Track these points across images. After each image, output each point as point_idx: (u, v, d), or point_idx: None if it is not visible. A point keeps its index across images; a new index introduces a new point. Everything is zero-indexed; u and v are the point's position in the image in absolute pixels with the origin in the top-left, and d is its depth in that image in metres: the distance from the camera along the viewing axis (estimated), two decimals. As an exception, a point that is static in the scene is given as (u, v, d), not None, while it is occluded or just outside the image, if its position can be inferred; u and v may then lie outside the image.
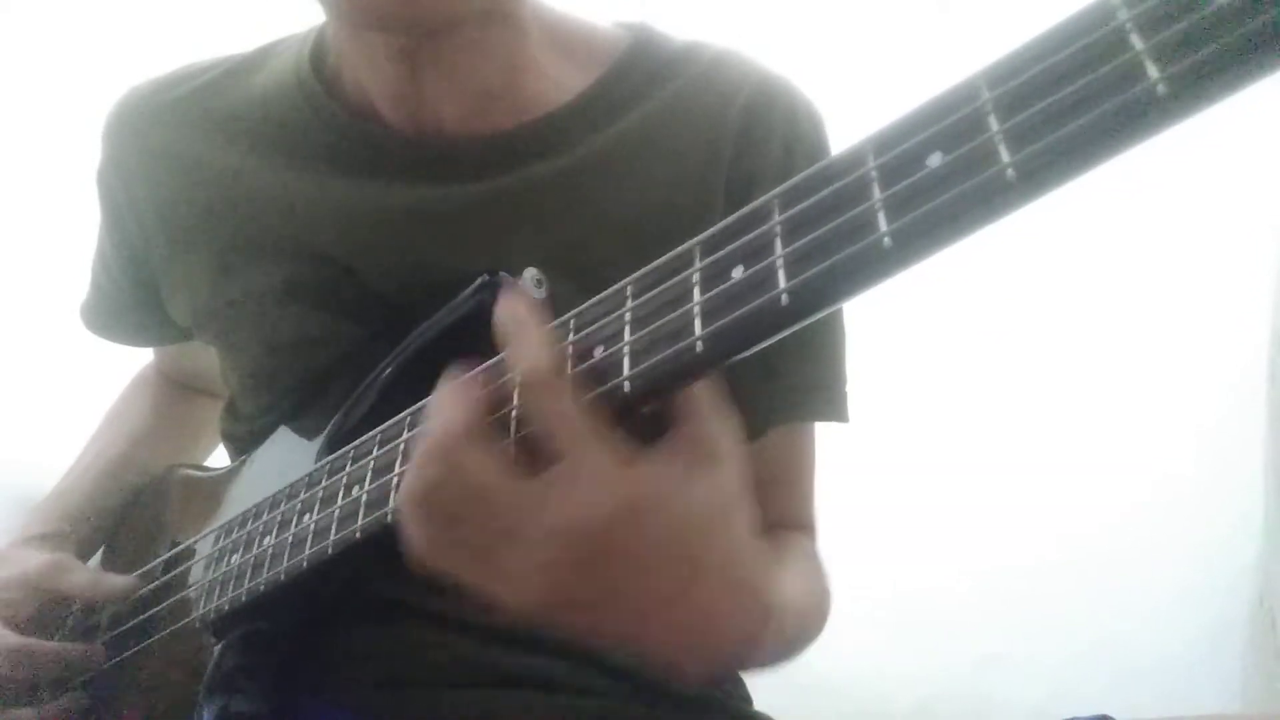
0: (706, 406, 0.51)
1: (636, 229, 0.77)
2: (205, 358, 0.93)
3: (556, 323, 0.54)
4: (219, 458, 1.02)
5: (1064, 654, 1.54)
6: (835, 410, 0.87)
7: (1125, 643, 1.53)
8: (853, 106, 0.99)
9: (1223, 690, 1.49)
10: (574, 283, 0.74)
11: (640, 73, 0.82)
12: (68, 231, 1.06)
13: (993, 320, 1.57)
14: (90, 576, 0.90)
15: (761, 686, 0.93)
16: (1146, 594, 1.53)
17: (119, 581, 0.89)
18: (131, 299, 0.98)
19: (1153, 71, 0.33)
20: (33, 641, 0.85)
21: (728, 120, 0.81)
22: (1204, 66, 0.32)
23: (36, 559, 0.89)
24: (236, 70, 0.90)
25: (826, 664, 1.00)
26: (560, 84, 0.81)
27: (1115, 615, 1.54)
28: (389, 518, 0.61)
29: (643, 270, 0.50)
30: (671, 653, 0.54)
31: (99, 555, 1.01)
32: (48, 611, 0.88)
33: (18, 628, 0.85)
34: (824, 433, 0.89)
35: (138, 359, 1.15)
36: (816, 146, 0.84)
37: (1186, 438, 1.54)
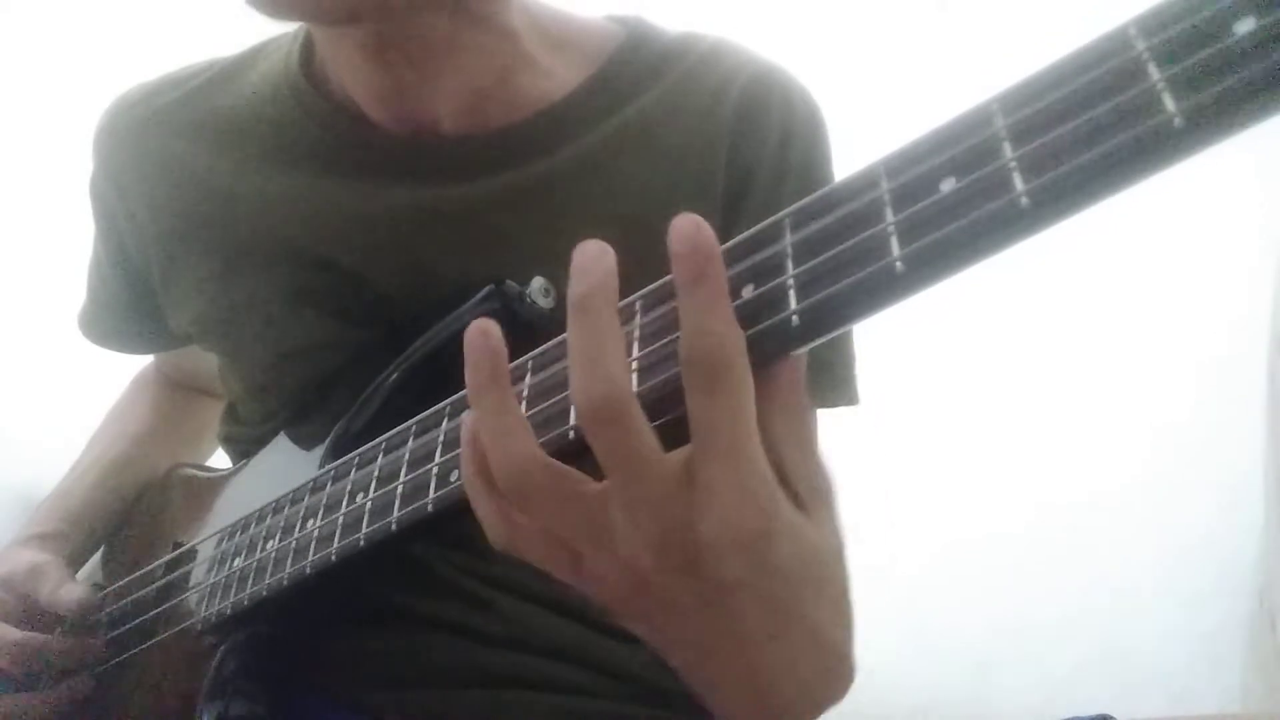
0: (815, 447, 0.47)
1: (638, 225, 0.77)
2: (206, 359, 0.93)
3: (553, 342, 0.54)
4: (220, 459, 1.02)
5: (1064, 655, 1.54)
6: (843, 392, 0.84)
7: (1125, 643, 1.53)
8: (850, 104, 0.98)
9: (1223, 690, 1.49)
10: None
11: (635, 67, 0.82)
12: (70, 231, 1.05)
13: (992, 322, 1.57)
14: (52, 586, 0.87)
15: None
16: (1147, 594, 1.53)
17: (74, 594, 0.86)
18: (128, 307, 0.98)
19: (1170, 104, 0.33)
20: (35, 635, 0.84)
21: (724, 111, 0.80)
22: (1223, 100, 0.31)
23: (25, 560, 0.89)
24: (226, 73, 0.89)
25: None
26: (555, 80, 0.81)
27: (1116, 616, 1.54)
28: (394, 525, 0.61)
29: (651, 287, 0.50)
30: (732, 697, 0.50)
31: (99, 555, 1.01)
32: (34, 614, 0.87)
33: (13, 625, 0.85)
34: (823, 432, 0.87)
35: (138, 361, 1.14)
36: (813, 137, 0.83)
37: (1187, 438, 1.54)
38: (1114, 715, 0.68)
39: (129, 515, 1.01)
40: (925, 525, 1.59)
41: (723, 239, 0.80)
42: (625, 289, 0.50)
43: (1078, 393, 1.58)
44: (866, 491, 1.48)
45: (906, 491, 1.57)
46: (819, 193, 0.44)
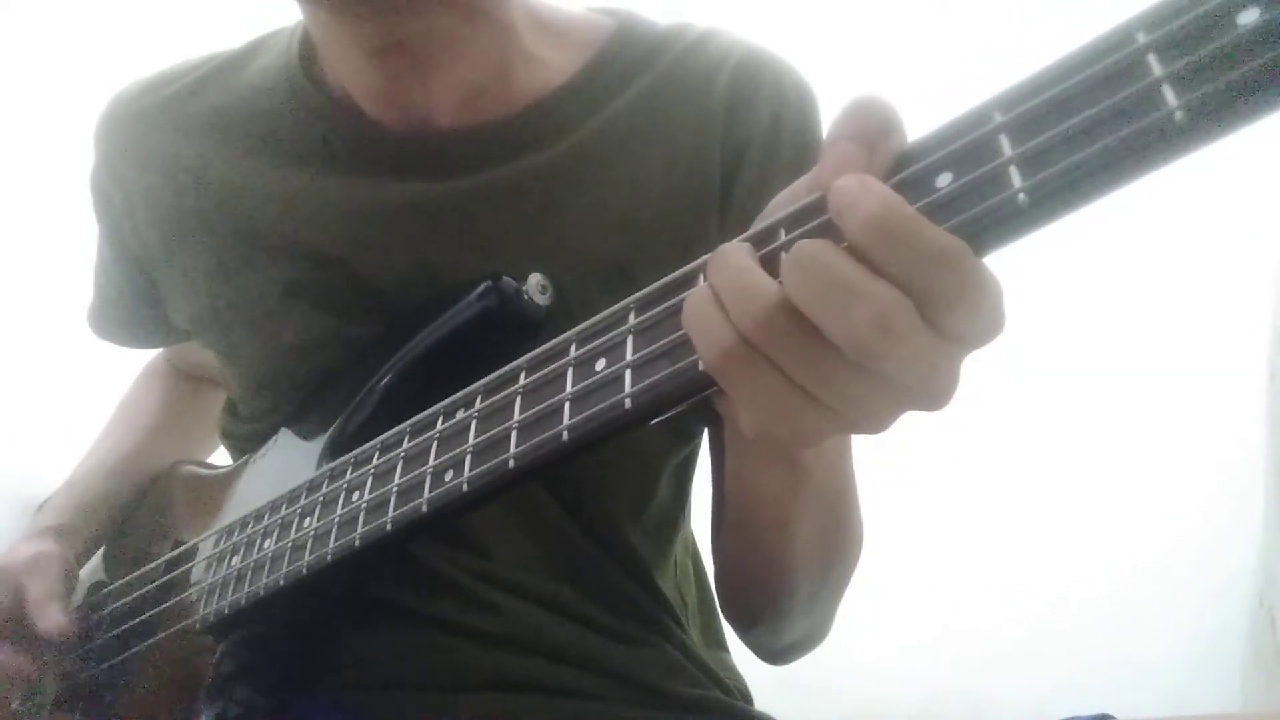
0: None
1: (635, 214, 0.77)
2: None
3: (549, 344, 0.54)
4: (223, 454, 1.02)
5: (1065, 654, 1.54)
6: None
7: (1126, 643, 1.53)
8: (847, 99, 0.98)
9: (1223, 690, 1.49)
10: (578, 272, 0.74)
11: (627, 56, 0.82)
12: (70, 232, 1.05)
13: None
14: (41, 596, 0.84)
15: (762, 687, 0.93)
16: (1147, 594, 1.53)
17: (54, 620, 0.83)
18: (133, 302, 0.97)
19: (1171, 98, 0.32)
20: (9, 662, 0.83)
21: (714, 93, 0.80)
22: (1224, 95, 0.31)
23: (27, 552, 0.88)
24: (224, 68, 0.89)
25: (828, 665, 1.00)
26: (550, 71, 0.80)
27: (1116, 616, 1.54)
28: (388, 525, 0.61)
29: (643, 291, 0.50)
30: None
31: (101, 551, 1.01)
32: (18, 620, 0.85)
33: None
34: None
35: (139, 361, 1.14)
36: (804, 115, 0.83)
37: (1186, 438, 1.54)
38: (1114, 715, 0.68)
39: (132, 511, 1.01)
40: (925, 526, 1.59)
41: (720, 219, 0.79)
42: (623, 277, 0.50)
43: (1076, 395, 1.58)
44: (865, 493, 1.48)
45: (906, 493, 1.57)
46: (813, 196, 0.43)
